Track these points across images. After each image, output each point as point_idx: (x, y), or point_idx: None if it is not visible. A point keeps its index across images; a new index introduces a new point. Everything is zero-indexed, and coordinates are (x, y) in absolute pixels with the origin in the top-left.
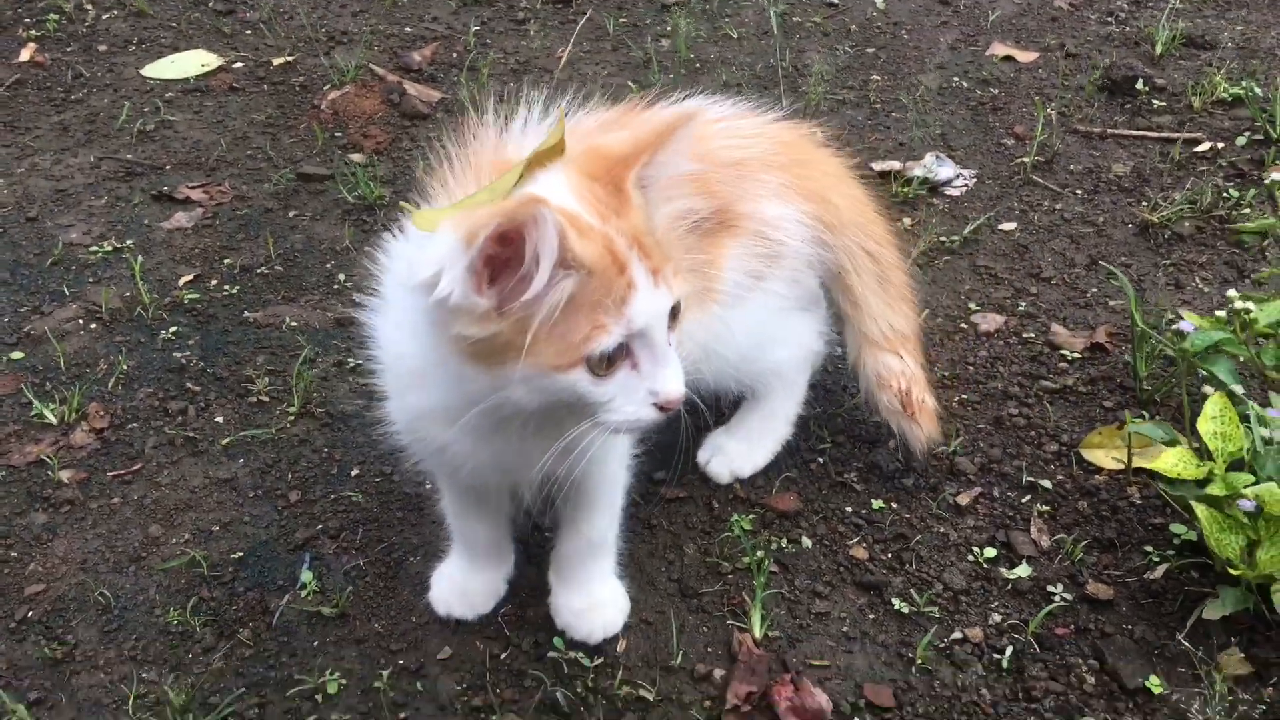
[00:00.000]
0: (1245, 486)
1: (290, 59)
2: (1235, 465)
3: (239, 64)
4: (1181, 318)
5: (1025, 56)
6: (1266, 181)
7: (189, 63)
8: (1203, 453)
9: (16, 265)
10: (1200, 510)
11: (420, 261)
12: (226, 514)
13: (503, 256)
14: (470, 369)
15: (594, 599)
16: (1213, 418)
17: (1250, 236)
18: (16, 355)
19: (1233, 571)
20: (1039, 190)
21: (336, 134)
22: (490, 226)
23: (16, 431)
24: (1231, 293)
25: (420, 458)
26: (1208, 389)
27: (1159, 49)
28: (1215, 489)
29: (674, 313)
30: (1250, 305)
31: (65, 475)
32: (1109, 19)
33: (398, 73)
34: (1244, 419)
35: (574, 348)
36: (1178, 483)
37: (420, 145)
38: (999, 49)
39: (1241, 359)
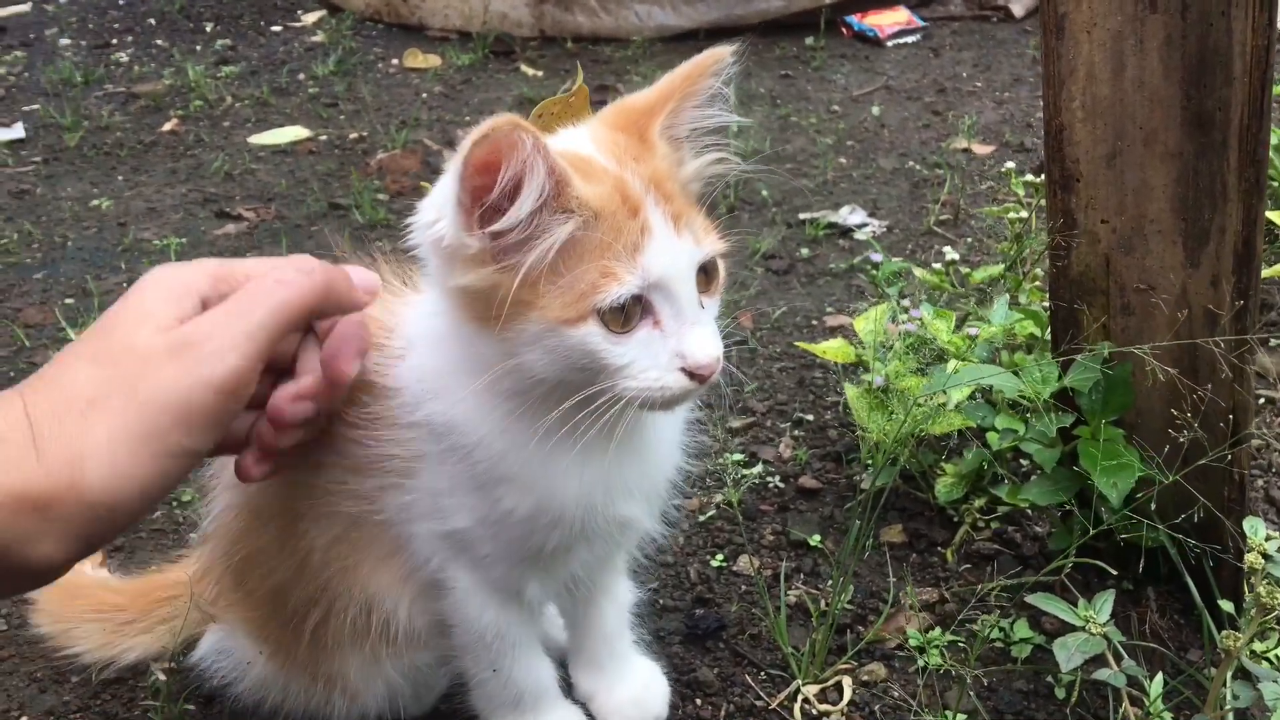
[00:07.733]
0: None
1: (364, 134)
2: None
3: (324, 136)
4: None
5: (982, 149)
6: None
7: (287, 135)
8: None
9: (97, 249)
10: (849, 390)
11: (425, 205)
12: None
13: (490, 186)
14: (479, 334)
15: (641, 678)
16: (870, 319)
17: None
18: (69, 301)
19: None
20: (937, 239)
21: (375, 182)
22: (465, 152)
23: (45, 345)
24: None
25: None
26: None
27: None
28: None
29: (708, 272)
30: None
31: None
32: None
33: (441, 144)
34: None
35: (582, 298)
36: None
37: None
38: (961, 143)
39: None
